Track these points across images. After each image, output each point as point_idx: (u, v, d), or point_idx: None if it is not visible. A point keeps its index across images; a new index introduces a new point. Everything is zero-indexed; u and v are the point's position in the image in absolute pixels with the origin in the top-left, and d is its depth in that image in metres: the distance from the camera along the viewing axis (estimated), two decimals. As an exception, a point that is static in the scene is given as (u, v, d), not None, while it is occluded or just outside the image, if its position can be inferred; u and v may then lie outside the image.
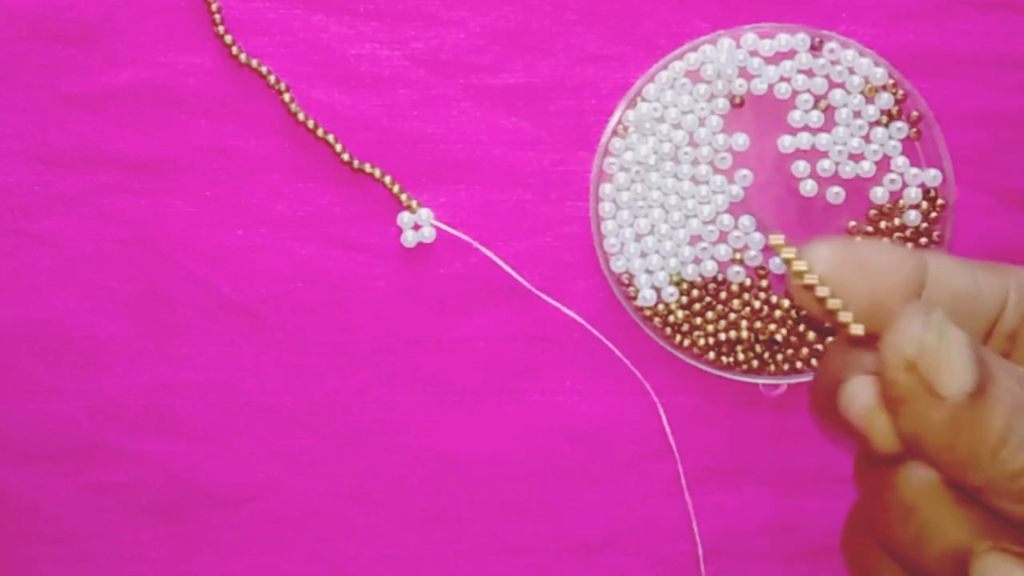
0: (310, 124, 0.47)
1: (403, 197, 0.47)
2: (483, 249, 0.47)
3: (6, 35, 0.47)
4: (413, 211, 0.47)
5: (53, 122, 0.48)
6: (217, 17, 0.47)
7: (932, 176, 0.46)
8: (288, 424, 0.48)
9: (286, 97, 0.47)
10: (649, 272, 0.47)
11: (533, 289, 0.47)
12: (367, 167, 0.47)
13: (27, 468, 0.49)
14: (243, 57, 0.47)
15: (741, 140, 0.46)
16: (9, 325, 0.48)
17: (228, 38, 0.47)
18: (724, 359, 0.47)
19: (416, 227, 0.47)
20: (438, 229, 0.47)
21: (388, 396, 0.48)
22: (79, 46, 0.47)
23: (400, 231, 0.47)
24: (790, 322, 0.47)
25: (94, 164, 0.48)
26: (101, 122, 0.48)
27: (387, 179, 0.47)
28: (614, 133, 0.47)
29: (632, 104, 0.47)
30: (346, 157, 0.47)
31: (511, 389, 0.48)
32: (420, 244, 0.47)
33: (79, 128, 0.48)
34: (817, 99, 0.46)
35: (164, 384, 0.48)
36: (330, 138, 0.47)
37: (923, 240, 0.46)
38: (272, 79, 0.47)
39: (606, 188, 0.47)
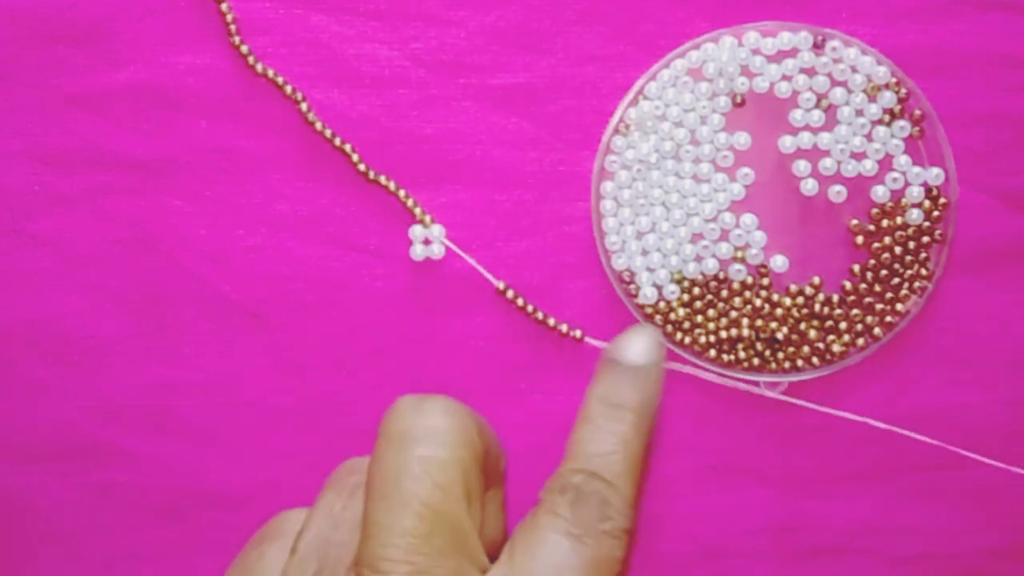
0: (327, 133, 0.47)
1: (417, 211, 0.47)
2: (487, 274, 0.47)
3: (6, 35, 0.47)
4: (426, 226, 0.47)
5: (53, 122, 0.48)
6: (233, 28, 0.47)
7: (935, 175, 0.46)
8: (288, 424, 0.48)
9: (303, 106, 0.47)
10: (650, 270, 0.47)
11: (532, 306, 0.47)
12: (382, 179, 0.47)
13: (27, 468, 0.49)
14: (259, 67, 0.47)
15: (743, 139, 0.46)
16: (9, 325, 0.48)
17: (244, 48, 0.47)
18: (725, 357, 0.47)
19: (427, 242, 0.47)
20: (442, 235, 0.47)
21: (388, 396, 0.48)
22: (79, 46, 0.47)
23: (409, 242, 0.47)
24: (791, 320, 0.47)
25: (94, 164, 0.48)
26: (101, 122, 0.48)
27: (401, 192, 0.47)
28: (616, 131, 0.47)
29: (634, 102, 0.47)
30: (362, 167, 0.47)
31: (511, 389, 0.48)
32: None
33: (79, 128, 0.48)
34: (819, 98, 0.46)
35: (164, 384, 0.48)
36: (347, 148, 0.47)
37: (925, 239, 0.46)
38: (288, 89, 0.47)
39: (607, 186, 0.47)
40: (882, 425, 0.48)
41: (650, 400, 0.41)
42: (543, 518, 0.39)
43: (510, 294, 0.47)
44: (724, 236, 0.47)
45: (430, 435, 0.38)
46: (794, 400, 0.47)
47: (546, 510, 0.39)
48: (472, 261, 0.47)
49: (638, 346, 0.42)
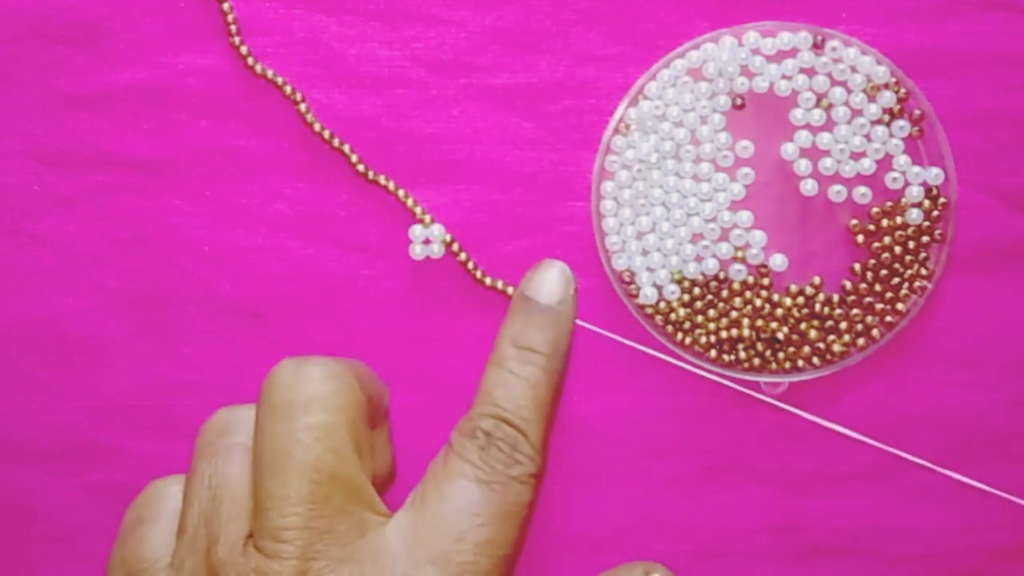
0: (326, 134, 0.47)
1: (417, 211, 0.47)
2: (464, 266, 0.47)
3: (6, 35, 0.47)
4: (426, 226, 0.47)
5: (53, 122, 0.48)
6: (233, 28, 0.47)
7: (934, 175, 0.46)
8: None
9: (302, 107, 0.47)
10: (650, 270, 0.47)
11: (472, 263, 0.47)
12: (382, 179, 0.47)
13: (27, 468, 0.49)
14: (259, 67, 0.47)
15: (745, 145, 0.46)
16: (9, 325, 0.48)
17: (244, 49, 0.47)
18: (725, 357, 0.47)
19: (427, 242, 0.47)
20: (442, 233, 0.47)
21: (388, 396, 0.48)
22: (79, 46, 0.47)
23: (409, 242, 0.47)
24: (791, 320, 0.47)
25: (94, 164, 0.48)
26: (101, 122, 0.48)
27: (401, 192, 0.47)
28: (616, 131, 0.47)
29: (634, 102, 0.47)
30: (362, 167, 0.47)
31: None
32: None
33: (79, 128, 0.48)
34: (819, 97, 0.46)
35: (164, 384, 0.48)
36: (346, 148, 0.47)
37: (925, 239, 0.46)
38: (288, 89, 0.47)
39: (608, 186, 0.47)
40: (865, 438, 0.48)
41: (560, 341, 0.43)
42: (453, 463, 0.40)
43: (455, 246, 0.47)
44: (724, 236, 0.47)
45: (315, 402, 0.38)
46: (789, 408, 0.47)
47: (456, 455, 0.40)
48: (462, 256, 0.47)
49: (549, 284, 0.44)
